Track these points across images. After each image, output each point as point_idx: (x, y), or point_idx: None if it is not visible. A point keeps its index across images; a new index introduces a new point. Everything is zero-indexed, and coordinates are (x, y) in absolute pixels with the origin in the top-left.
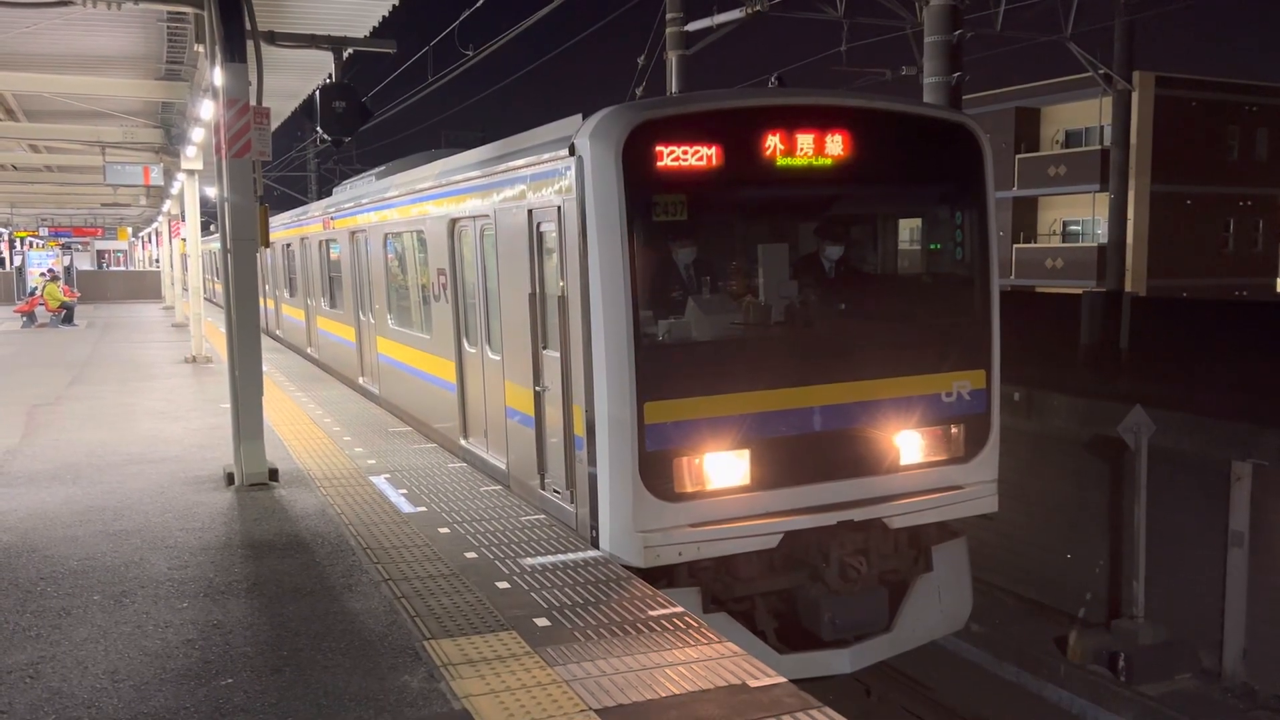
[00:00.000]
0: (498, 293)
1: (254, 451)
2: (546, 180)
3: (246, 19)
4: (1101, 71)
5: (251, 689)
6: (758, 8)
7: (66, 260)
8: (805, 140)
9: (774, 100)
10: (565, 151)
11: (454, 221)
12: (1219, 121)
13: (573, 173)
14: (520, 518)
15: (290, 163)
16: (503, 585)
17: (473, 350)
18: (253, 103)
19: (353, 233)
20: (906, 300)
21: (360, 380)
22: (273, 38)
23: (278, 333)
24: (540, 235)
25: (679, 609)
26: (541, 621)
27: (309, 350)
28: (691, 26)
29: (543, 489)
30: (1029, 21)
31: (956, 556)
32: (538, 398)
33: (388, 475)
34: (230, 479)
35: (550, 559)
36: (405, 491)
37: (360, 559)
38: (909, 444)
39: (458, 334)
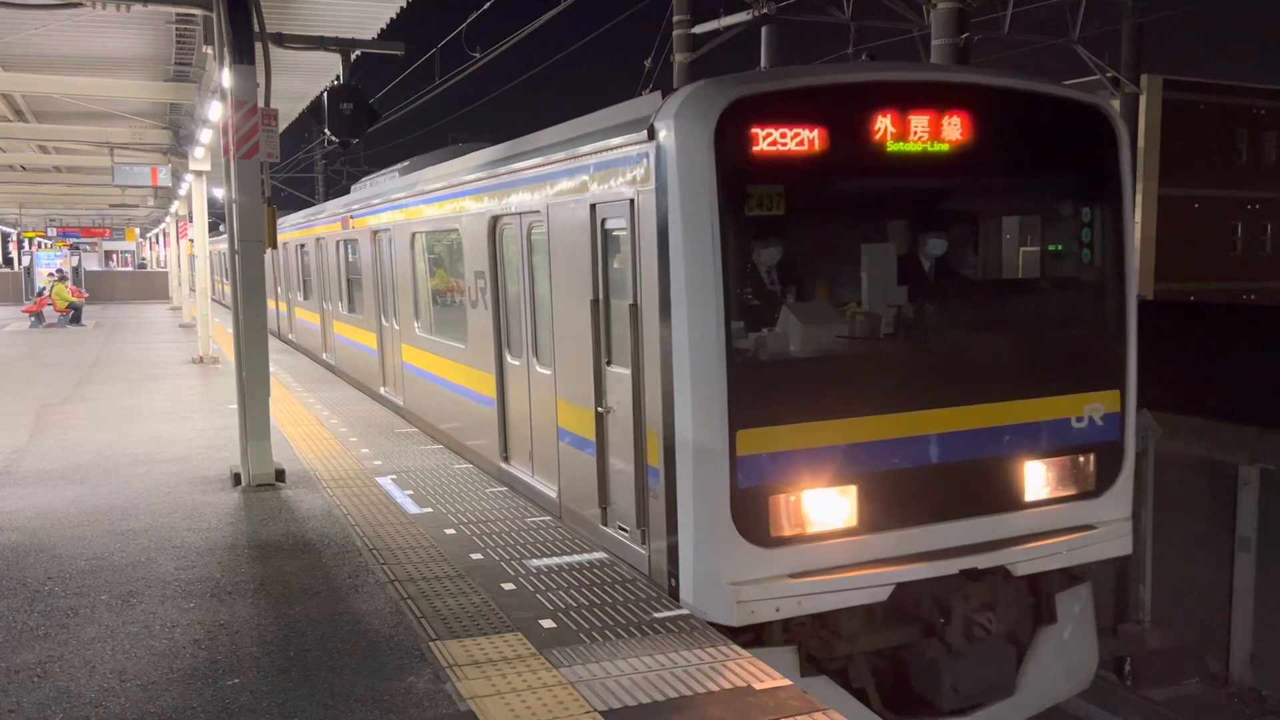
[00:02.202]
0: (549, 299)
1: (261, 452)
2: (616, 169)
3: (255, 21)
4: (1109, 74)
5: (258, 689)
6: (765, 10)
7: (74, 261)
8: (919, 122)
9: (887, 75)
10: (642, 135)
11: (496, 219)
12: (1227, 124)
13: (651, 160)
14: (525, 519)
15: (298, 164)
16: (508, 586)
17: (516, 362)
18: (261, 104)
19: (375, 232)
20: (1032, 310)
21: (382, 390)
22: (281, 39)
23: (290, 337)
24: (605, 233)
25: (683, 610)
26: (547, 623)
27: (324, 356)
28: (699, 29)
29: (604, 524)
30: (1037, 24)
31: (1081, 604)
32: (600, 420)
33: (394, 476)
34: (237, 480)
35: (556, 560)
36: (411, 493)
37: (366, 560)
38: (1035, 477)
39: (498, 344)
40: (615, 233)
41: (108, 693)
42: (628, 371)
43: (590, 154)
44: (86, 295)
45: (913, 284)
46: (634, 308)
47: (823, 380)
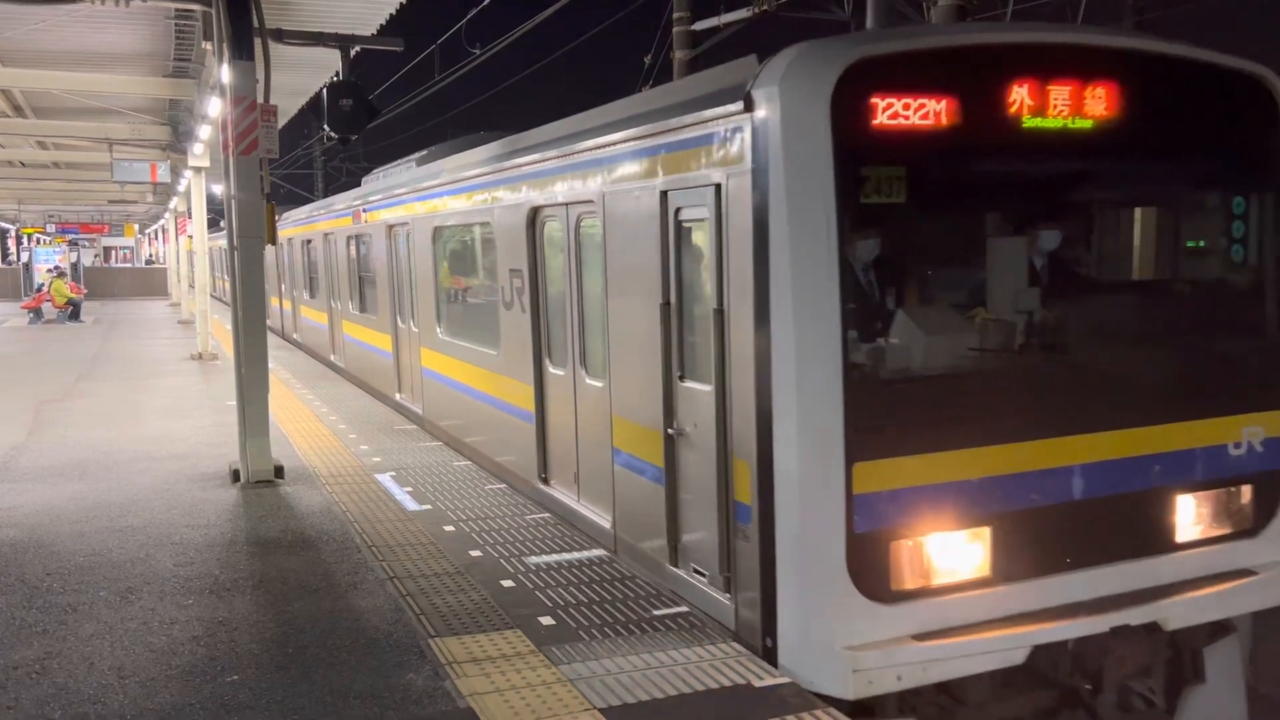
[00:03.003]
0: (601, 301)
1: (260, 449)
2: (697, 149)
3: (254, 16)
4: None
5: (257, 686)
6: (765, 7)
7: (73, 256)
8: (1059, 94)
9: (1027, 36)
10: (735, 107)
11: (536, 210)
12: None
13: (746, 136)
14: (524, 516)
15: (297, 160)
16: (507, 584)
17: (560, 372)
18: (260, 100)
19: (391, 226)
20: (1185, 317)
21: (397, 396)
22: (280, 35)
23: (295, 337)
24: (680, 225)
25: (684, 608)
26: (546, 620)
27: (332, 358)
28: (698, 26)
29: (673, 564)
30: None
31: (1229, 659)
32: (670, 444)
33: (393, 473)
34: (236, 476)
35: (555, 558)
36: (410, 489)
37: (365, 556)
38: (1188, 514)
39: (538, 351)
40: (693, 224)
41: (106, 689)
42: (709, 389)
43: (662, 133)
44: (85, 291)
45: (1051, 287)
46: (719, 313)
47: (952, 402)
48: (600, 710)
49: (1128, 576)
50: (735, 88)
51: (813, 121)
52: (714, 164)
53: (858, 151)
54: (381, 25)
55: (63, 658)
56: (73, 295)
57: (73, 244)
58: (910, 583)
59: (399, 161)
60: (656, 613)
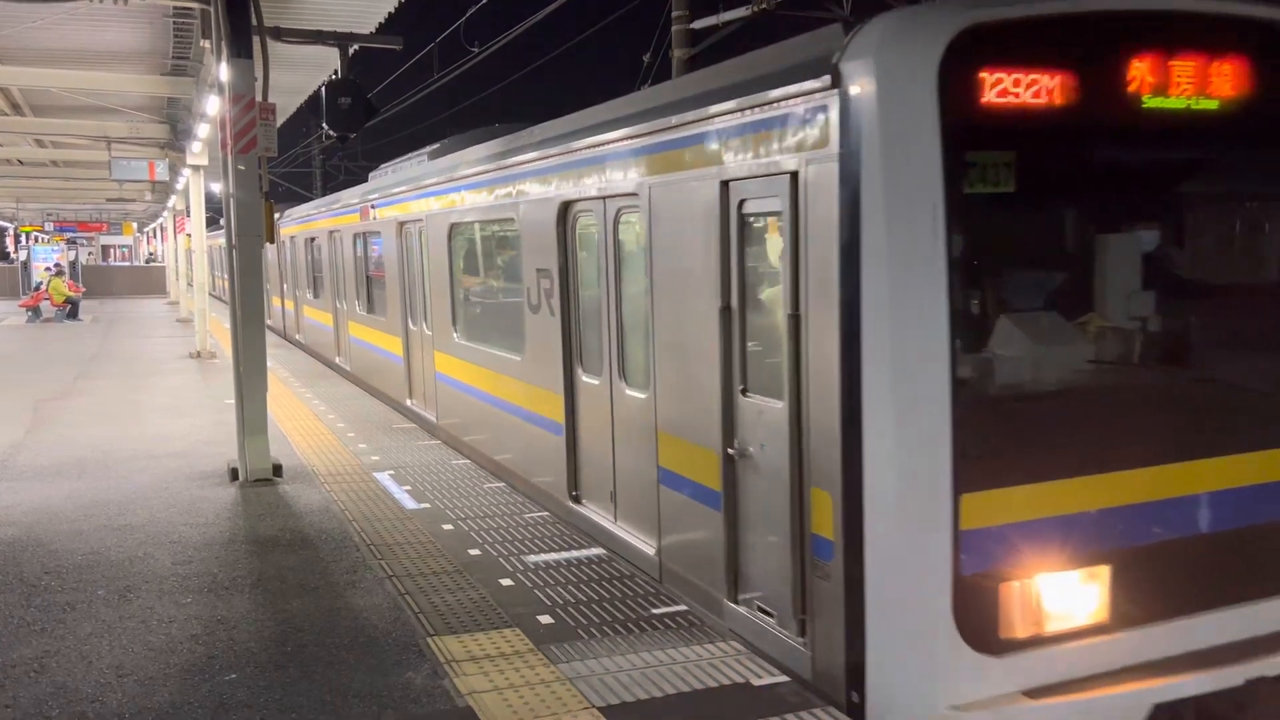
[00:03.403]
0: (645, 304)
1: (258, 447)
2: (767, 133)
3: (253, 14)
4: None
5: (256, 685)
6: (764, 6)
7: (72, 255)
8: (1183, 71)
9: (1148, 4)
10: (819, 82)
11: (568, 205)
12: None
13: (832, 116)
14: (523, 515)
15: (295, 159)
16: (506, 582)
17: (594, 381)
18: (258, 98)
19: (402, 223)
20: None
21: (408, 402)
22: (279, 33)
23: (298, 337)
24: (744, 220)
25: (682, 607)
26: (545, 619)
27: (337, 360)
28: (697, 24)
29: (733, 600)
30: None
31: None
32: (730, 465)
33: (391, 472)
34: (234, 474)
35: (553, 556)
36: (409, 488)
37: (364, 555)
38: None
39: (568, 358)
40: (760, 219)
41: (105, 688)
42: (780, 405)
43: (724, 115)
44: (84, 290)
45: (1176, 291)
46: (795, 319)
47: (1069, 422)
48: (599, 709)
49: (1265, 620)
50: (816, 62)
51: (918, 98)
52: (788, 149)
53: (965, 134)
54: (380, 23)
55: (61, 656)
56: (71, 294)
57: (71, 242)
58: (1021, 631)
59: (409, 156)
60: (655, 611)
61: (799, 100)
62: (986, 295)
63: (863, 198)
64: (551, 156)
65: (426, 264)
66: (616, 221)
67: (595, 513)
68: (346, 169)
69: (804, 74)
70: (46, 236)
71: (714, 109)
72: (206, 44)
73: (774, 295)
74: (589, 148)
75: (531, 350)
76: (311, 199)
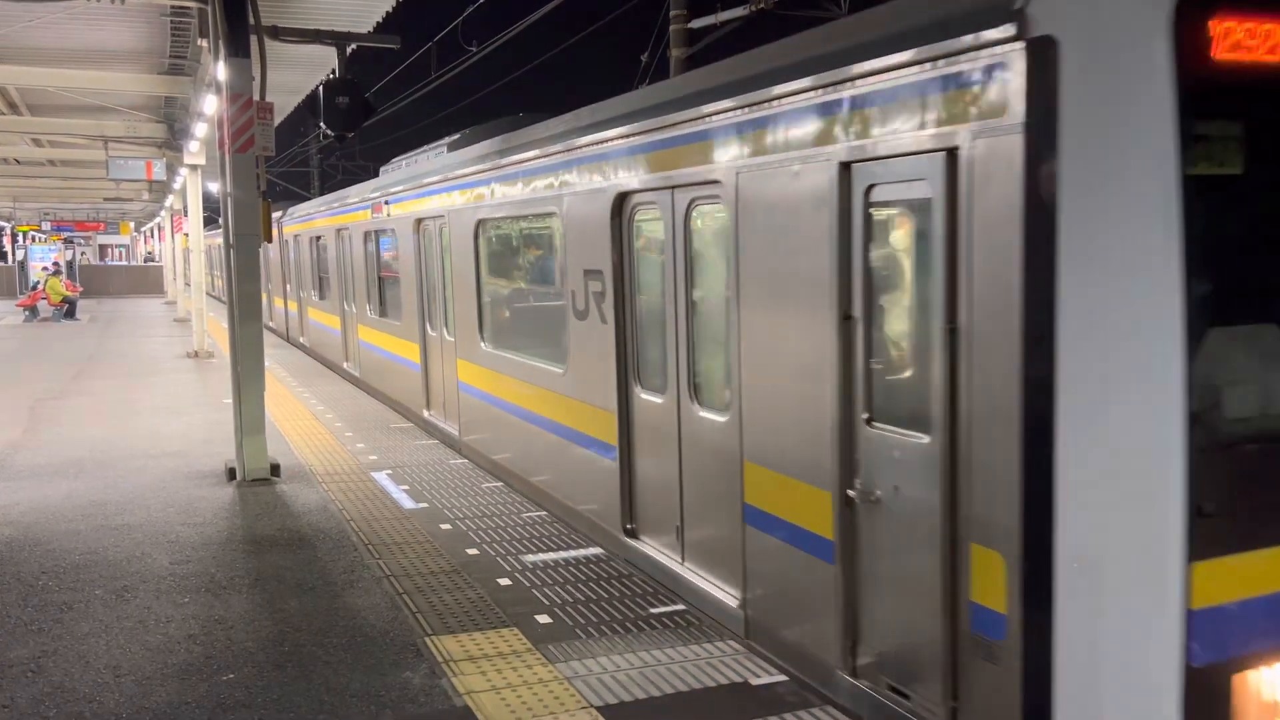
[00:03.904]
0: (730, 313)
1: (256, 447)
2: (911, 102)
3: (250, 14)
4: None
5: (253, 684)
6: (762, 5)
7: (69, 254)
8: None
9: None
10: (1000, 31)
11: (624, 197)
12: None
13: (1013, 77)
14: (521, 515)
15: (293, 158)
16: (504, 582)
17: (655, 400)
18: (256, 98)
19: (420, 220)
20: None
21: (426, 413)
22: (276, 33)
23: (302, 340)
24: (869, 210)
25: (680, 606)
26: (543, 618)
27: (345, 365)
28: (695, 24)
29: (850, 673)
30: None
31: None
32: (849, 509)
33: (389, 471)
34: (232, 474)
35: (551, 555)
36: (407, 488)
37: (362, 555)
38: None
39: (623, 372)
40: (897, 209)
41: (102, 688)
42: (925, 440)
43: (848, 82)
44: (81, 289)
45: None
46: (953, 333)
47: None
48: (597, 708)
49: None
50: (988, 7)
51: (1146, 52)
52: (943, 121)
53: (1197, 99)
54: (378, 22)
55: (58, 656)
56: (68, 293)
57: (68, 242)
58: None
59: (425, 148)
60: (654, 611)
61: (963, 58)
62: (1226, 307)
63: (1061, 180)
64: (607, 141)
65: (448, 264)
66: (689, 214)
67: (655, 549)
68: (344, 168)
69: (970, 24)
70: (44, 236)
71: (830, 76)
72: (204, 43)
73: (919, 303)
74: (654, 130)
75: (576, 362)
76: (309, 198)
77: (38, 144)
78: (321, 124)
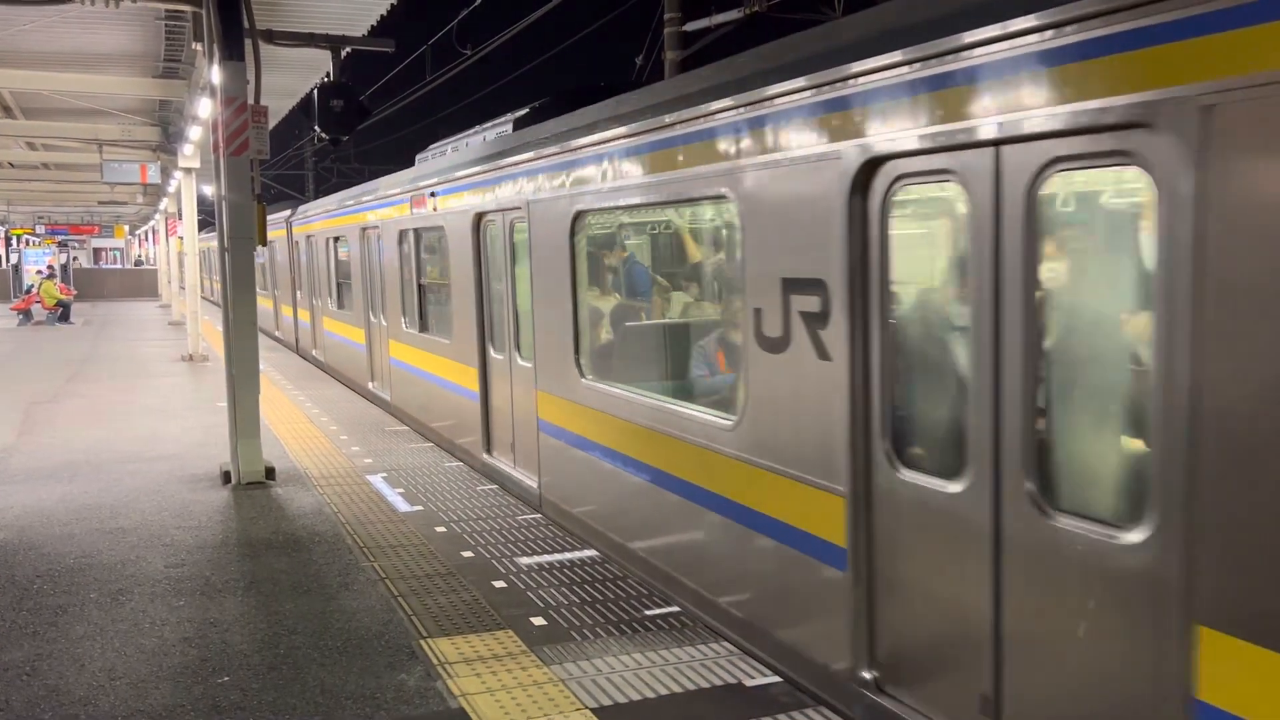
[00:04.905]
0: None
1: (251, 450)
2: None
3: (245, 17)
4: None
5: (248, 687)
6: (756, 8)
7: (63, 258)
8: None
9: None
10: None
11: (874, 164)
12: None
13: None
14: (516, 518)
15: (288, 161)
16: (499, 584)
17: (928, 484)
18: (251, 101)
19: (482, 215)
20: None
21: (488, 457)
22: (271, 36)
23: (316, 354)
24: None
25: (675, 608)
26: (538, 620)
27: (371, 385)
28: (690, 26)
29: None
30: None
31: None
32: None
33: (384, 474)
34: (227, 477)
35: (546, 558)
36: (402, 490)
37: (357, 557)
38: None
39: (858, 433)
40: None
41: (97, 690)
42: None
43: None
44: (75, 293)
45: None
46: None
47: None
48: (592, 710)
49: None
50: None
51: None
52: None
53: None
54: (372, 26)
55: (53, 659)
56: (62, 296)
57: (62, 245)
58: None
59: (480, 127)
60: (648, 612)
61: None
62: None
63: None
64: (827, 89)
65: (525, 270)
66: (1034, 186)
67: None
68: (340, 171)
69: None
70: (38, 239)
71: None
72: (198, 46)
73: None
74: (997, 53)
75: (761, 412)
76: (304, 201)
77: (32, 147)
78: (316, 127)
